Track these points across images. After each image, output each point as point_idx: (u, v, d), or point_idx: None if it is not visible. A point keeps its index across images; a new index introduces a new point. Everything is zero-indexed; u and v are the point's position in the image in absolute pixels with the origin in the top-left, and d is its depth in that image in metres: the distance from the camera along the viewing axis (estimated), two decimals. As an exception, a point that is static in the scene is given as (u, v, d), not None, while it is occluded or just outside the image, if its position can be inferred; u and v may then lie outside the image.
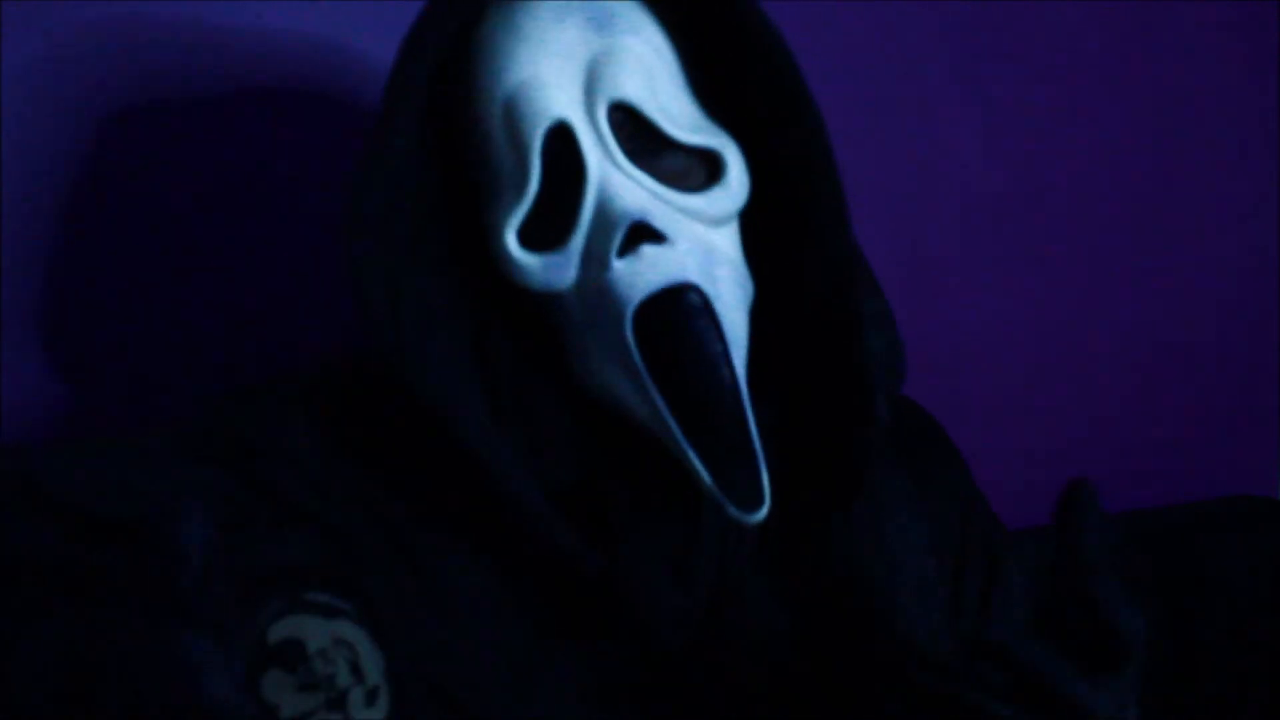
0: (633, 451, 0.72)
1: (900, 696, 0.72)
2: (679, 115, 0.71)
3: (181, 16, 0.96)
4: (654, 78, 0.71)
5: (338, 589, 0.67)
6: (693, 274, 0.68)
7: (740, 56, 0.73)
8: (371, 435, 0.73)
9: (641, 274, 0.67)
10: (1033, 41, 1.27)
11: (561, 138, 0.69)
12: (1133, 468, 1.40)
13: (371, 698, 0.65)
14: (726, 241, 0.72)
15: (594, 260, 0.69)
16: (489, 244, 0.72)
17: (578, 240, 0.69)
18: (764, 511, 0.67)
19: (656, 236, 0.68)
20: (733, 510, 0.67)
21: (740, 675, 0.73)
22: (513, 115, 0.70)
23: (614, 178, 0.68)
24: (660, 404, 0.67)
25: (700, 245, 0.70)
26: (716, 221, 0.72)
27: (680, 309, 0.67)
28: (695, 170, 0.72)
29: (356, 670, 0.64)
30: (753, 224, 0.75)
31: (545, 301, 0.72)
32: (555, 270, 0.70)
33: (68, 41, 0.93)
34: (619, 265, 0.67)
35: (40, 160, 0.94)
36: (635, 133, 0.70)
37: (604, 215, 0.68)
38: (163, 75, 0.96)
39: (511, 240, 0.71)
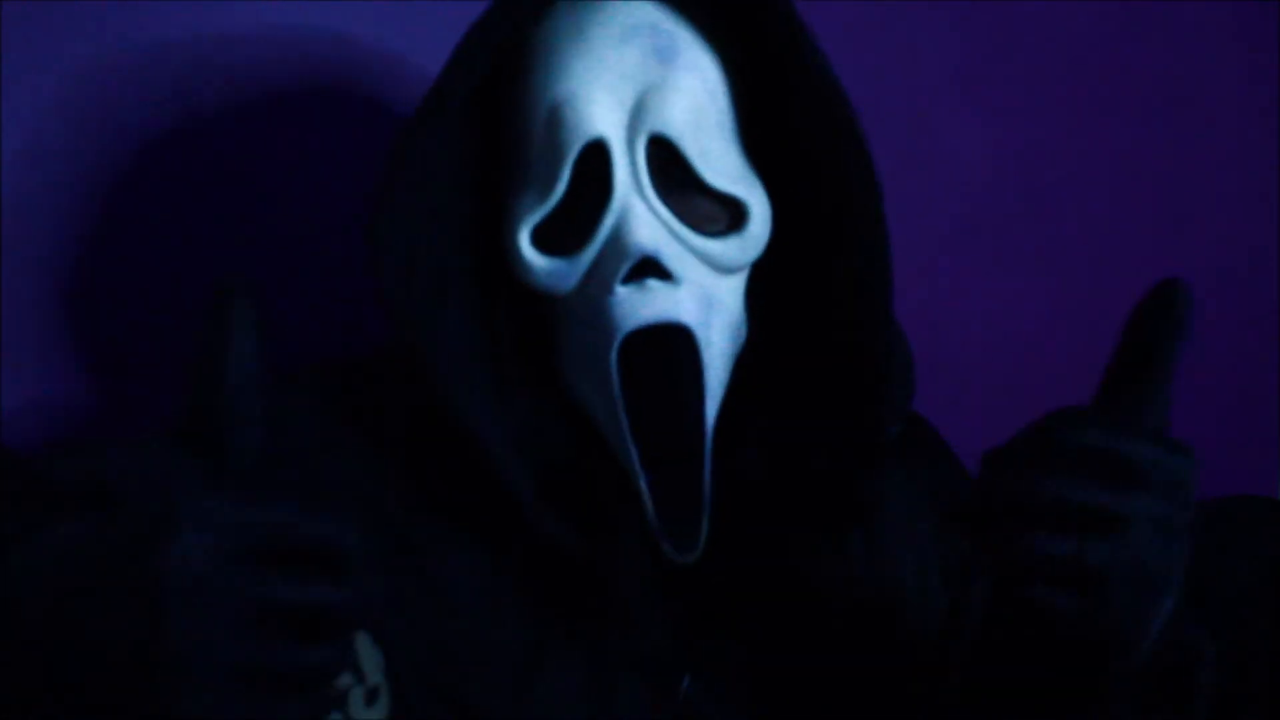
0: None
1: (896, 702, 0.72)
2: (717, 159, 0.71)
3: (180, 15, 0.96)
4: (702, 118, 0.71)
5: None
6: (688, 316, 0.69)
7: (798, 103, 0.73)
8: (371, 432, 0.73)
9: (640, 305, 0.68)
10: (1034, 42, 1.27)
11: (597, 155, 0.69)
12: (1133, 468, 1.39)
13: (371, 697, 0.65)
14: (730, 291, 0.72)
15: (598, 278, 0.69)
16: (501, 230, 0.73)
17: (588, 255, 0.70)
18: (696, 556, 0.68)
19: (664, 273, 0.68)
20: (667, 548, 0.68)
21: (730, 673, 0.72)
22: (555, 121, 0.70)
23: (637, 207, 0.68)
24: (626, 430, 0.68)
25: (703, 290, 0.70)
26: (726, 269, 0.72)
27: (668, 347, 0.68)
28: (719, 216, 0.72)
29: (356, 670, 0.64)
30: (776, 258, 0.74)
31: (544, 299, 0.73)
32: (559, 277, 0.71)
33: (67, 42, 0.93)
34: (621, 290, 0.68)
35: (40, 160, 0.94)
36: (669, 167, 0.70)
37: (618, 240, 0.68)
38: (161, 75, 0.96)
39: (524, 238, 0.71)
